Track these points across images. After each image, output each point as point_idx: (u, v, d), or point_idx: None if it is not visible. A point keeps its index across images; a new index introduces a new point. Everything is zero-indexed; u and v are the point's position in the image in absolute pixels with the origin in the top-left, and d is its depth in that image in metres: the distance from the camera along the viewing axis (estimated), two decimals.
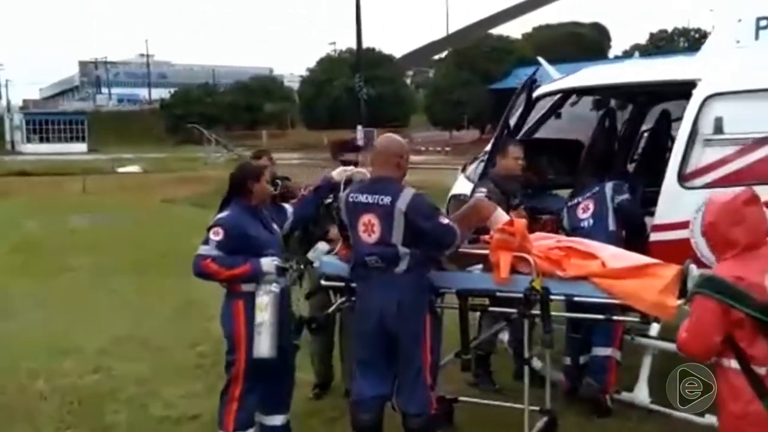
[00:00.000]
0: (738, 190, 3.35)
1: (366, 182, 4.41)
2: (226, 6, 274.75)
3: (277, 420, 4.51)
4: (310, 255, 4.53)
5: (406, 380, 4.24)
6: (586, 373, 5.48)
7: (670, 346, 5.40)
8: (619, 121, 6.92)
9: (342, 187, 4.65)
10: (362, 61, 55.93)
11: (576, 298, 4.26)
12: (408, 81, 77.52)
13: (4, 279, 10.41)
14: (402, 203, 4.11)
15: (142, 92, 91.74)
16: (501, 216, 4.61)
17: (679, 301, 4.06)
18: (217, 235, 4.22)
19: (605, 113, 6.45)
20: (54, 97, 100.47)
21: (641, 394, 5.36)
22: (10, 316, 8.26)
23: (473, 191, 5.69)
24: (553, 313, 4.31)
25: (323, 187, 4.77)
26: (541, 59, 7.19)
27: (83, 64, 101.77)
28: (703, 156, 5.22)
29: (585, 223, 5.65)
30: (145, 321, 6.10)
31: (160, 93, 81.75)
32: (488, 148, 6.50)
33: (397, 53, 70.58)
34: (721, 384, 3.28)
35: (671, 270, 4.14)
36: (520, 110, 6.39)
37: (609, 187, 5.64)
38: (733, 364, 3.17)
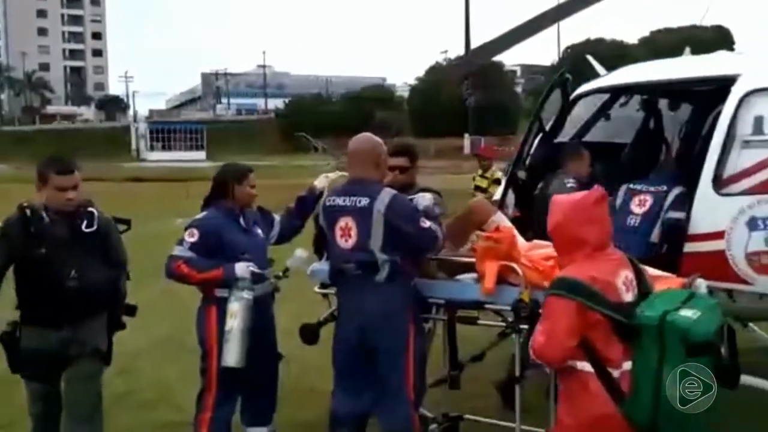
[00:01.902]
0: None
1: (343, 185, 4.22)
2: (345, 18, 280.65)
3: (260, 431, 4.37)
4: (288, 262, 4.37)
5: (387, 396, 4.01)
6: None
7: None
8: (673, 123, 6.41)
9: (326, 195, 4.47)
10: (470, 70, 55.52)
11: None
12: (519, 89, 76.42)
13: None
14: (381, 204, 3.89)
15: (261, 102, 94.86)
16: (500, 220, 4.31)
17: None
18: (191, 237, 4.13)
19: (648, 114, 5.97)
20: (178, 107, 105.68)
21: None
22: None
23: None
24: None
25: (306, 197, 4.58)
26: (589, 57, 6.75)
27: (205, 76, 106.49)
28: (741, 159, 4.69)
29: (632, 221, 5.13)
30: (189, 322, 6.10)
31: (278, 103, 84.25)
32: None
33: (507, 61, 69.87)
34: (571, 388, 3.10)
35: (672, 284, 3.69)
36: (557, 110, 6.02)
37: (674, 193, 5.11)
38: (587, 367, 3.02)
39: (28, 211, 3.95)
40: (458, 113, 58.02)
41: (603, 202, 3.21)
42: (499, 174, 10.00)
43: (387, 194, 3.94)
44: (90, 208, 4.10)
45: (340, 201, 4.01)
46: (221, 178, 4.31)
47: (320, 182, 4.61)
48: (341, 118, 71.99)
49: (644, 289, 3.21)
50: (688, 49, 6.18)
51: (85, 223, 4.02)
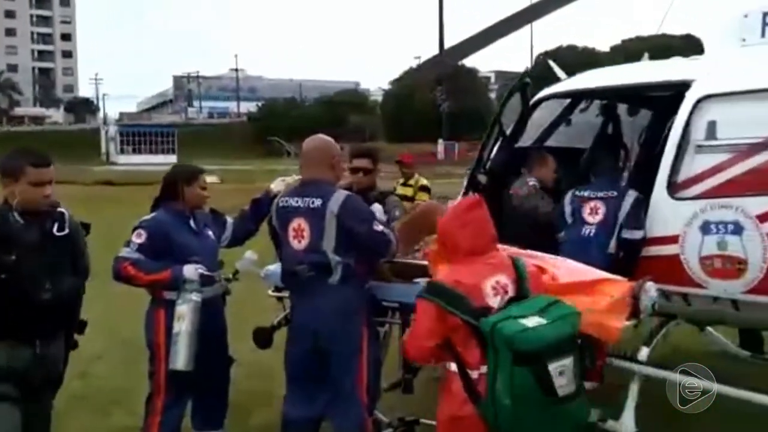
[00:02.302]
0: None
1: (297, 186, 4.19)
2: (319, 22, 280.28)
3: None
4: (237, 264, 4.33)
5: (339, 399, 3.97)
6: None
7: (660, 373, 4.98)
8: (632, 128, 6.46)
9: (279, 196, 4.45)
10: (443, 75, 55.83)
11: None
12: (493, 95, 76.92)
13: None
14: (334, 205, 3.87)
15: (233, 106, 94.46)
16: None
17: (628, 322, 3.65)
18: (139, 238, 4.07)
19: (606, 119, 6.02)
20: (150, 110, 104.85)
21: (627, 424, 4.91)
22: None
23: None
24: None
25: (261, 199, 4.54)
26: (551, 62, 6.79)
27: (177, 79, 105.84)
28: (695, 164, 4.72)
29: (587, 231, 5.05)
30: None
31: (250, 106, 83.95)
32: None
33: (481, 67, 70.32)
34: (442, 386, 3.27)
35: (620, 288, 3.73)
36: (517, 114, 6.03)
37: (630, 200, 5.02)
38: (453, 367, 3.17)
39: None
40: (432, 118, 58.22)
41: (477, 208, 3.29)
42: (424, 181, 9.41)
43: (340, 195, 3.92)
44: (60, 209, 3.70)
45: (293, 202, 3.98)
46: (171, 179, 4.26)
47: (276, 185, 4.57)
48: (314, 122, 71.81)
49: (522, 294, 3.24)
50: (646, 55, 6.23)
51: (56, 225, 3.60)
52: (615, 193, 5.06)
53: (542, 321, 2.94)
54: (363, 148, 5.05)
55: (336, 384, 3.97)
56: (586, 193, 5.18)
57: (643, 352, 4.98)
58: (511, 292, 3.09)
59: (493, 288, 3.09)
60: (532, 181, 5.62)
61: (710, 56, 5.01)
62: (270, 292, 4.54)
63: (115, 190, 31.58)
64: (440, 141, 55.82)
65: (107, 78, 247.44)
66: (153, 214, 4.19)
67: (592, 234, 5.05)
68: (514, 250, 4.26)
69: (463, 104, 61.39)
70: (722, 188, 4.56)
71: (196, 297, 3.97)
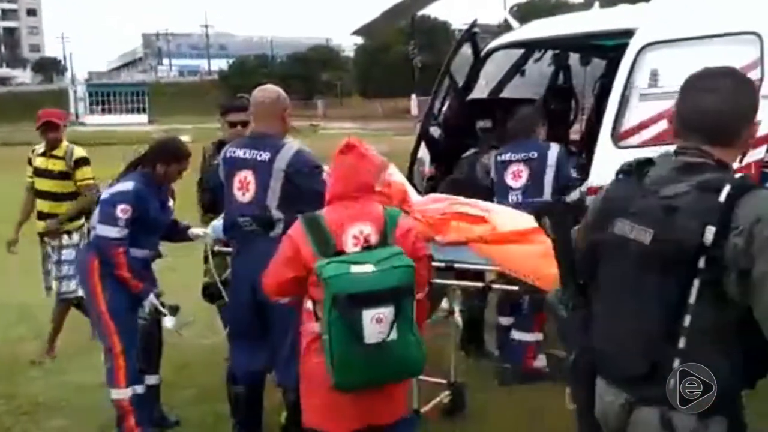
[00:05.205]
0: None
1: (246, 137, 4.16)
2: None
3: (152, 380, 4.43)
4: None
5: (281, 353, 3.97)
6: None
7: None
8: (587, 78, 6.48)
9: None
10: (417, 29, 55.21)
11: (456, 265, 3.95)
12: None
13: None
14: (281, 161, 3.85)
15: (204, 63, 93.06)
16: (392, 173, 4.28)
17: None
18: (125, 214, 4.03)
19: (557, 69, 6.03)
20: (118, 69, 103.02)
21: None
22: None
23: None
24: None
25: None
26: (506, 13, 6.76)
27: (146, 37, 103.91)
28: (638, 112, 4.77)
29: (514, 196, 4.95)
30: None
31: (221, 64, 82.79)
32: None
33: (455, 22, 69.63)
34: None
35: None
36: (468, 65, 6.02)
37: (553, 156, 4.96)
38: (309, 305, 3.07)
39: None
40: (405, 73, 57.74)
41: (348, 152, 3.10)
42: (82, 152, 6.14)
43: (288, 151, 3.89)
44: None
45: (240, 153, 3.95)
46: (162, 153, 4.26)
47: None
48: (286, 79, 71.26)
49: (382, 244, 3.03)
50: (596, 4, 6.22)
51: None
52: (534, 154, 4.99)
53: (370, 269, 2.80)
54: (237, 103, 4.99)
55: (276, 338, 3.97)
56: (507, 156, 5.09)
57: None
58: (374, 242, 2.96)
59: (354, 237, 2.98)
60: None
61: (656, 3, 5.02)
62: (217, 248, 4.54)
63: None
64: (413, 96, 55.38)
65: (74, 37, 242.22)
66: (130, 185, 4.11)
67: (518, 199, 4.95)
68: (461, 199, 4.31)
69: (436, 59, 60.91)
70: (664, 136, 4.60)
71: (169, 323, 4.20)
